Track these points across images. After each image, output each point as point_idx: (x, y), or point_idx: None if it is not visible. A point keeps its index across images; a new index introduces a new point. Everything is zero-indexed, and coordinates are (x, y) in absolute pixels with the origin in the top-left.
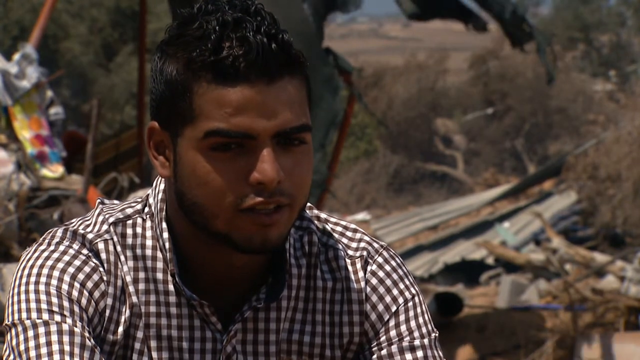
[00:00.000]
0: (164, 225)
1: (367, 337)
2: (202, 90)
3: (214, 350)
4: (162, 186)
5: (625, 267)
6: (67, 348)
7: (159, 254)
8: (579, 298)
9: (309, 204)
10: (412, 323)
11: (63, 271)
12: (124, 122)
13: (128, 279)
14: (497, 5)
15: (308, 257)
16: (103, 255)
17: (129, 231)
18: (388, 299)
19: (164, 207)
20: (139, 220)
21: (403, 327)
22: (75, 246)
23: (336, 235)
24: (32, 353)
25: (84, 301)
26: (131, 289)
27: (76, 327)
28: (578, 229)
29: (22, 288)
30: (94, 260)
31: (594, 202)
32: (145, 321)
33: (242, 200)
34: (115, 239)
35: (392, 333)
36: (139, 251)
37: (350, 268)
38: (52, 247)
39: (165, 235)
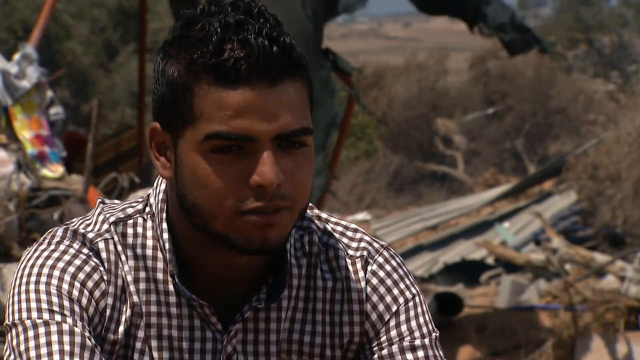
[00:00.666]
0: (165, 225)
1: (367, 337)
2: (202, 92)
3: (214, 350)
4: (163, 186)
5: (625, 267)
6: (67, 348)
7: (160, 254)
8: (579, 298)
9: (309, 204)
10: (413, 323)
11: (63, 271)
12: (124, 122)
13: (129, 278)
14: (495, 15)
15: (308, 256)
16: (103, 255)
17: (130, 231)
18: (388, 298)
19: (165, 208)
20: (140, 220)
21: (404, 327)
22: (76, 245)
23: (337, 235)
24: (32, 353)
25: (84, 301)
26: (132, 288)
27: (76, 326)
28: (578, 229)
29: (23, 288)
30: (95, 259)
31: (594, 202)
32: (146, 321)
33: (242, 203)
34: (115, 238)
35: (393, 333)
36: (139, 251)
37: (350, 268)
38: (52, 247)
39: (166, 235)
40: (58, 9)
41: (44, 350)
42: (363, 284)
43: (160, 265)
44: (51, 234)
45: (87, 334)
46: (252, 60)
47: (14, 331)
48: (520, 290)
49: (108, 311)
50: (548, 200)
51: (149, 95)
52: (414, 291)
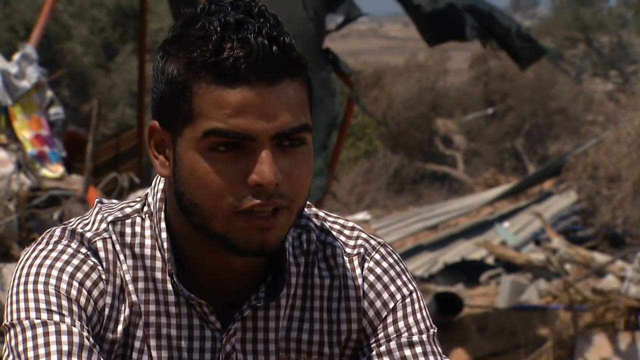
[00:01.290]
0: (163, 224)
1: (365, 333)
2: (202, 91)
3: (214, 349)
4: (161, 185)
5: (625, 267)
6: (65, 348)
7: (158, 254)
8: (579, 298)
9: (307, 202)
10: (410, 319)
11: (61, 270)
12: (124, 122)
13: (127, 277)
14: (501, 29)
15: (306, 255)
16: (102, 254)
17: (128, 230)
18: (385, 295)
19: (163, 207)
20: (138, 220)
21: (401, 324)
22: (74, 245)
23: (334, 233)
24: (31, 354)
25: (82, 300)
26: (130, 287)
27: (75, 326)
28: (578, 229)
29: (21, 288)
30: (93, 258)
31: (594, 202)
32: (145, 320)
33: (240, 201)
34: (114, 237)
35: (390, 329)
36: (137, 250)
37: (348, 265)
38: (50, 247)
39: (164, 234)
40: (58, 9)
41: (42, 351)
42: (360, 281)
43: (158, 264)
44: (49, 233)
45: (85, 333)
46: (251, 60)
47: (12, 331)
48: (520, 290)
49: (107, 310)
50: (548, 200)
51: (149, 95)
52: (411, 288)
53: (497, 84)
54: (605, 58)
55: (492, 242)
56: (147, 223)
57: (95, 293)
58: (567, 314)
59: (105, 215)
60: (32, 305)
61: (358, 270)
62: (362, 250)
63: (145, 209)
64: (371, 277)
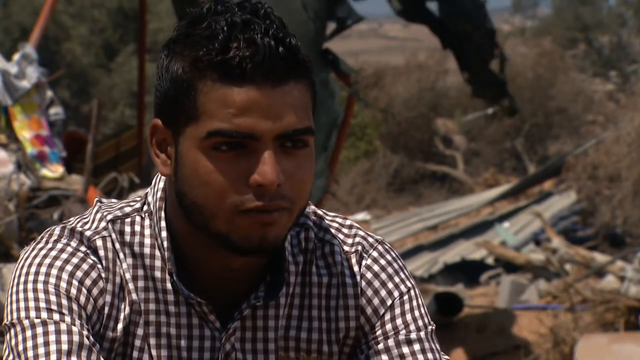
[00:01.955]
0: (163, 223)
1: (363, 331)
2: (207, 89)
3: (213, 348)
4: (161, 185)
5: (625, 267)
6: (65, 347)
7: (157, 253)
8: (579, 298)
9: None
10: (408, 316)
11: (61, 269)
12: (124, 122)
13: (127, 276)
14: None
15: (304, 253)
16: (101, 252)
17: (127, 229)
18: (383, 292)
19: (163, 206)
20: (138, 219)
21: (399, 321)
22: (73, 244)
23: (332, 231)
24: (30, 353)
25: (82, 299)
26: (130, 286)
27: (74, 325)
28: (578, 229)
29: (21, 287)
30: (92, 257)
31: (594, 202)
32: (144, 318)
33: (242, 201)
34: (113, 236)
35: (388, 327)
36: (137, 249)
37: (346, 263)
38: (50, 245)
39: (164, 234)
40: (58, 10)
41: (42, 350)
42: (358, 278)
43: (158, 263)
44: (49, 232)
45: (85, 332)
46: (257, 60)
47: (12, 331)
48: (520, 290)
49: (106, 309)
50: (548, 200)
51: (149, 95)
52: (408, 285)
53: None
54: (605, 58)
55: (492, 242)
56: (147, 222)
57: (95, 291)
58: (567, 314)
59: (105, 214)
60: (31, 304)
61: (356, 268)
62: (359, 247)
63: (145, 208)
64: (369, 275)
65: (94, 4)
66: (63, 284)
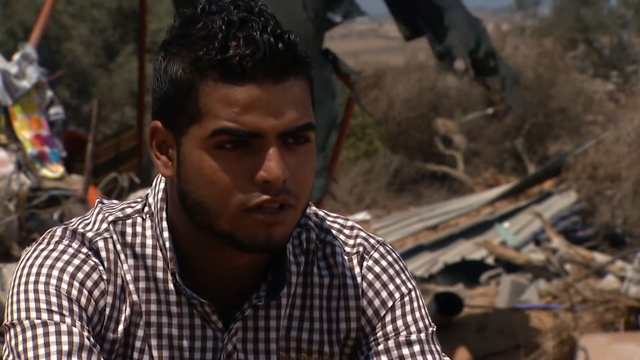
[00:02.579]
0: (164, 224)
1: (364, 332)
2: (208, 89)
3: (215, 349)
4: (162, 185)
5: (625, 267)
6: (65, 348)
7: (159, 253)
8: (579, 298)
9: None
10: (409, 318)
11: (62, 270)
12: (124, 122)
13: (128, 277)
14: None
15: (306, 254)
16: (103, 254)
17: (129, 230)
18: (384, 294)
19: (164, 207)
20: (139, 220)
21: (399, 322)
22: (75, 245)
23: (334, 232)
24: (31, 354)
25: (83, 300)
26: (131, 287)
27: (75, 326)
28: (578, 229)
29: (22, 288)
30: (94, 258)
31: (594, 202)
32: (145, 319)
33: (248, 199)
34: (115, 237)
35: (389, 328)
36: (138, 250)
37: (347, 264)
38: (51, 246)
39: (166, 234)
40: (58, 10)
41: (42, 351)
42: (359, 279)
43: (160, 264)
44: (50, 233)
45: (85, 333)
46: (258, 57)
47: (12, 331)
48: (520, 290)
49: (107, 310)
50: (548, 200)
51: (149, 95)
52: (410, 286)
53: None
54: (606, 58)
55: (492, 242)
56: (148, 223)
57: (96, 293)
58: (567, 314)
59: (106, 215)
60: (32, 305)
61: (357, 269)
62: (361, 249)
63: (146, 209)
64: (370, 276)
65: (94, 4)
66: (64, 285)
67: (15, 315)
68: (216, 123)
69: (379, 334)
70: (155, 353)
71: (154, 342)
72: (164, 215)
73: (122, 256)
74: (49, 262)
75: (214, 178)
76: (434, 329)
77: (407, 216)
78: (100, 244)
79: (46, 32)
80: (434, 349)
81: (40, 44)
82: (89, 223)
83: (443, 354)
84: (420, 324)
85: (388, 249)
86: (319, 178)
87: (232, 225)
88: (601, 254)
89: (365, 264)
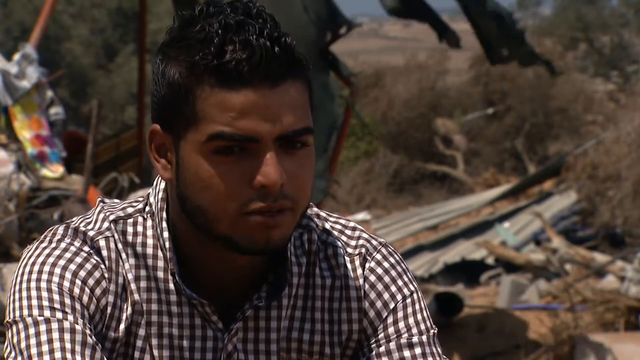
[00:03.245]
0: (164, 224)
1: (365, 334)
2: (205, 94)
3: (215, 349)
4: (163, 185)
5: (625, 267)
6: (68, 345)
7: (160, 253)
8: (579, 298)
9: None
10: (411, 320)
11: (64, 268)
12: (124, 122)
13: (129, 276)
14: (491, 13)
15: (308, 255)
16: (104, 253)
17: (130, 229)
18: (386, 295)
19: (165, 207)
20: (140, 219)
21: (401, 324)
22: (77, 243)
23: (335, 233)
24: (33, 351)
25: (85, 298)
26: (133, 286)
27: (77, 324)
28: (578, 229)
29: (24, 285)
30: (95, 257)
31: (594, 202)
32: (146, 319)
33: (246, 204)
34: (116, 236)
35: (390, 330)
36: (139, 249)
37: (349, 265)
38: (53, 245)
39: (166, 234)
40: (58, 10)
41: (44, 348)
42: (361, 281)
43: (160, 264)
44: (52, 231)
45: (88, 331)
46: (254, 62)
47: (14, 328)
48: (520, 290)
49: (109, 309)
50: (548, 200)
51: (149, 95)
52: (412, 288)
53: (497, 84)
54: (606, 58)
55: (492, 242)
56: (149, 223)
57: (97, 291)
58: (567, 314)
59: (108, 214)
60: (34, 302)
61: (359, 271)
62: (363, 250)
63: (147, 209)
64: (372, 278)
65: (94, 4)
66: (66, 283)
67: (17, 313)
68: (212, 128)
69: (381, 335)
70: (155, 353)
71: (154, 341)
72: (164, 215)
73: (124, 255)
74: (51, 259)
75: (211, 183)
76: (435, 332)
77: (407, 216)
78: (102, 242)
79: (46, 32)
80: (435, 351)
81: (40, 44)
82: (90, 222)
83: (444, 357)
84: (422, 327)
85: (390, 250)
86: (319, 180)
87: (230, 228)
88: (601, 254)
89: (367, 265)
